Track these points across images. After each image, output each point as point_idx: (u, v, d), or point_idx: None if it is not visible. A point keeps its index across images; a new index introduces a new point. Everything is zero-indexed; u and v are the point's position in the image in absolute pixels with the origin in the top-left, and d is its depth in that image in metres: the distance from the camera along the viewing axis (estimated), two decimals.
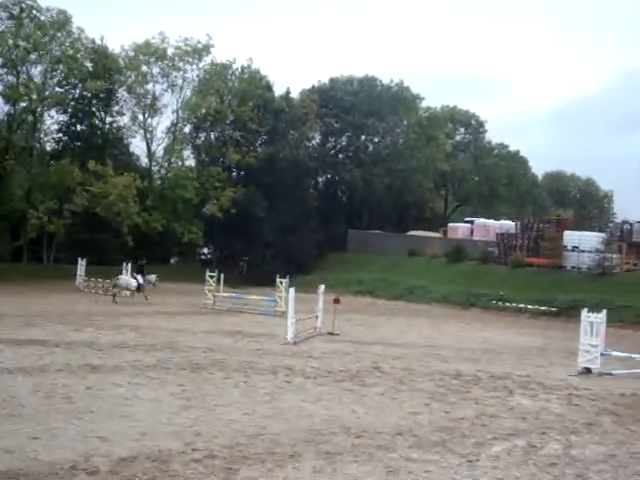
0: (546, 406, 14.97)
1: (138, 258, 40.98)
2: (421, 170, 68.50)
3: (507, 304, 41.96)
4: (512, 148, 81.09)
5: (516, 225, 51.55)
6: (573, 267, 45.62)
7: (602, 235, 48.94)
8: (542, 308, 40.22)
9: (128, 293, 37.36)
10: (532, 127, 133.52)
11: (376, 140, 70.58)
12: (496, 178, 76.71)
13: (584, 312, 19.97)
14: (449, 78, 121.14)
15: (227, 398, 14.05)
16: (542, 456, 11.00)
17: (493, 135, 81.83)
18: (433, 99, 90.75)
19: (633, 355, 20.61)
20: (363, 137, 69.77)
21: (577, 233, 47.76)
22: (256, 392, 14.81)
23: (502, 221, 58.32)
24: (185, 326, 26.87)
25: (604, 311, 20.56)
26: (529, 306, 40.88)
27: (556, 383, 17.84)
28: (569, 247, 46.22)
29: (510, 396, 15.88)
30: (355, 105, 66.23)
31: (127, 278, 37.79)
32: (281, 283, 34.03)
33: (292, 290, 24.73)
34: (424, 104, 73.16)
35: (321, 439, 11.22)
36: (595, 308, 21.60)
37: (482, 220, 59.31)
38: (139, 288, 37.07)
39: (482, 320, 37.72)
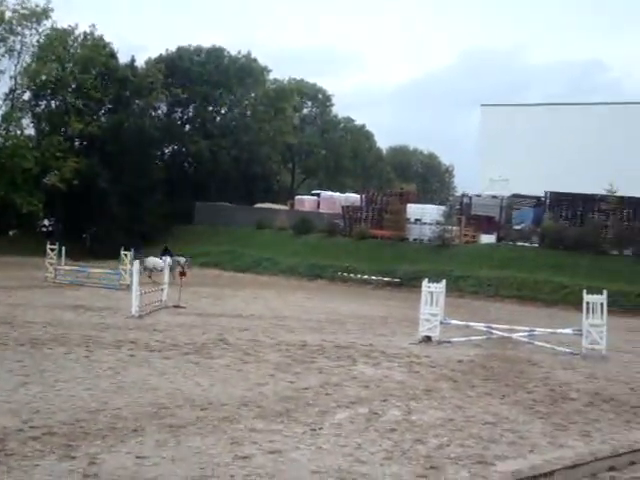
0: (388, 374, 15.34)
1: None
2: (269, 143, 68.64)
3: (352, 275, 42.84)
4: (358, 122, 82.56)
5: (361, 198, 52.59)
6: (415, 239, 47.11)
7: (443, 208, 50.70)
8: (386, 279, 41.31)
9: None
10: (380, 102, 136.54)
11: (223, 112, 70.22)
12: (342, 151, 77.90)
13: (425, 282, 20.53)
14: (303, 51, 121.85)
15: (68, 373, 13.64)
16: (383, 422, 11.26)
17: (342, 109, 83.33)
18: (286, 72, 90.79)
19: (470, 323, 21.45)
20: (210, 108, 69.18)
21: (419, 206, 49.36)
22: (99, 367, 14.44)
23: (348, 194, 59.39)
24: (24, 300, 25.86)
25: (443, 281, 21.29)
26: (373, 277, 41.89)
27: (398, 351, 18.32)
28: (412, 219, 47.70)
29: (354, 365, 16.17)
30: (202, 76, 65.52)
31: (154, 259, 37.33)
32: (125, 256, 33.43)
33: (137, 263, 24.35)
34: (272, 76, 73.31)
35: (165, 413, 11.08)
36: (435, 278, 22.30)
37: (328, 193, 60.22)
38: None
39: (328, 291, 38.30)
